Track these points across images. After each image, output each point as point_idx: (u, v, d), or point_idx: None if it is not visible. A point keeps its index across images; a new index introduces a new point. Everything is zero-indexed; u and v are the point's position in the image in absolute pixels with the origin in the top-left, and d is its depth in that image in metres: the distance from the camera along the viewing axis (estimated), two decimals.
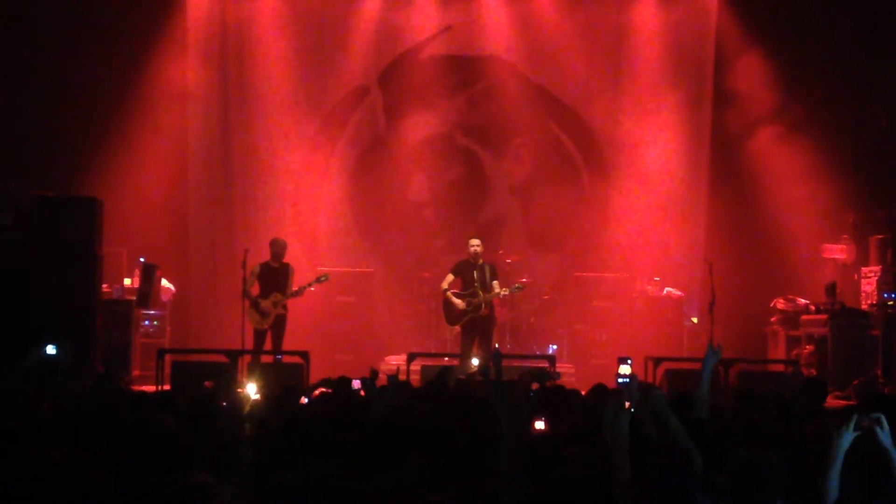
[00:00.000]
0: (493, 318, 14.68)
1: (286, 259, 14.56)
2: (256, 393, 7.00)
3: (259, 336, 14.27)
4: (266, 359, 13.91)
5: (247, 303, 14.24)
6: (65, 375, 8.64)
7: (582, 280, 17.00)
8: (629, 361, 6.60)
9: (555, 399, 7.54)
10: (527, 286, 15.66)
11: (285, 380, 11.66)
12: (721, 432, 5.87)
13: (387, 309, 17.36)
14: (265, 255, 14.61)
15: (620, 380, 6.18)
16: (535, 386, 8.01)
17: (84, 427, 5.80)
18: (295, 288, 14.29)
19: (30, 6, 16.37)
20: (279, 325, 14.34)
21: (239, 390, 7.11)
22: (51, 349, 7.73)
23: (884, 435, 4.60)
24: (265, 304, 14.26)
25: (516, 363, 13.37)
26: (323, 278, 14.49)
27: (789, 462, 4.63)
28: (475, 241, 14.40)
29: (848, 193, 16.72)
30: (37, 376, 7.44)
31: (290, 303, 14.50)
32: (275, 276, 14.37)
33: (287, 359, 13.54)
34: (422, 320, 16.80)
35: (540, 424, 5.96)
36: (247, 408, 6.70)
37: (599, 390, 7.50)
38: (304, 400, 7.78)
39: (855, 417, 4.56)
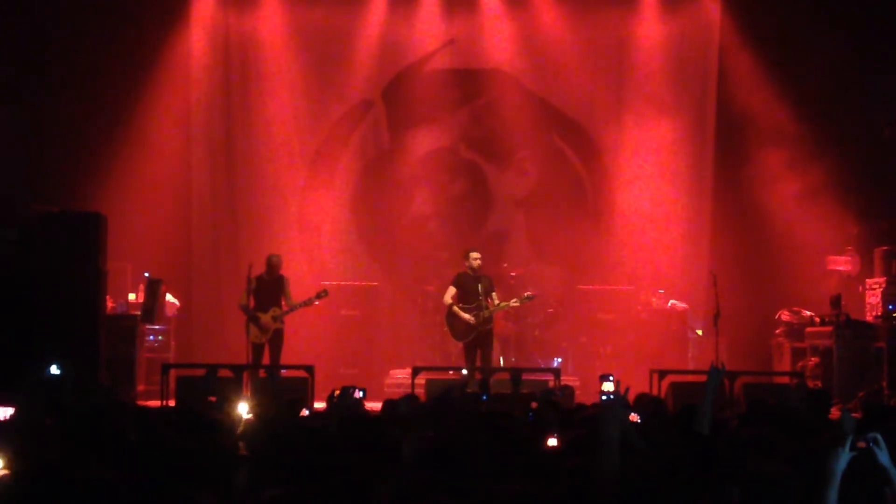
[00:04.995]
0: (493, 331, 14.72)
1: (286, 274, 14.56)
2: (248, 412, 6.96)
3: (257, 350, 14.25)
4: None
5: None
6: (69, 391, 8.64)
7: (586, 293, 17.00)
8: (611, 378, 6.60)
9: (559, 414, 7.53)
10: (534, 297, 15.68)
11: (289, 394, 11.68)
12: (726, 445, 5.86)
13: (391, 323, 17.38)
14: None
15: (603, 397, 6.19)
16: (534, 405, 7.99)
17: (88, 442, 5.81)
18: (296, 300, 14.28)
19: (34, 23, 16.41)
20: (277, 338, 14.33)
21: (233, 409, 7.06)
22: (54, 369, 7.72)
23: (882, 454, 4.58)
24: (265, 318, 14.25)
25: (522, 376, 13.36)
26: (323, 294, 14.47)
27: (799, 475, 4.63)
28: (476, 255, 14.39)
29: (852, 205, 16.72)
30: (42, 393, 7.44)
31: (295, 316, 14.51)
32: (269, 289, 14.37)
33: (291, 373, 13.54)
34: (426, 334, 16.79)
35: (552, 441, 5.96)
36: (240, 428, 6.67)
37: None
38: (305, 412, 7.76)
39: (851, 437, 4.55)
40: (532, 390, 10.83)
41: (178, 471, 4.97)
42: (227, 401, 7.22)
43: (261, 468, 5.40)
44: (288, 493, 4.46)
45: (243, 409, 6.93)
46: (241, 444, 6.29)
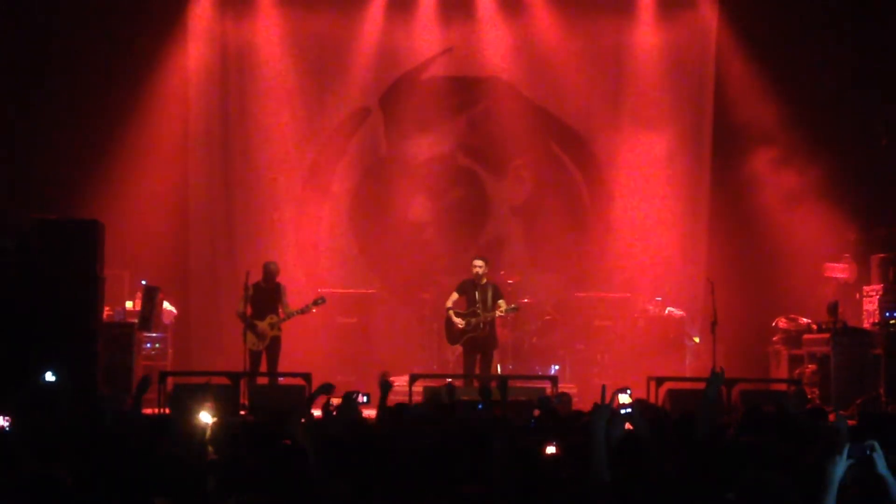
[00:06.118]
0: (494, 338, 14.69)
1: (283, 281, 14.56)
2: (213, 417, 6.95)
3: (254, 357, 14.23)
4: (262, 380, 13.93)
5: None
6: (65, 398, 8.63)
7: (583, 300, 16.99)
8: (628, 391, 6.59)
9: (558, 423, 7.54)
10: (526, 306, 15.65)
11: (286, 402, 11.66)
12: (724, 452, 5.86)
13: (388, 330, 17.37)
14: None
15: (623, 411, 6.20)
16: (536, 413, 7.99)
17: (84, 449, 5.81)
18: (293, 307, 14.27)
19: (30, 31, 16.42)
20: (274, 346, 14.33)
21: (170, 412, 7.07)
22: (49, 376, 7.70)
23: (879, 461, 4.58)
24: (262, 325, 14.25)
25: (519, 384, 13.37)
26: (320, 301, 14.48)
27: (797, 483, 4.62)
28: (478, 262, 14.47)
29: (849, 212, 16.72)
30: (38, 400, 7.44)
31: (292, 324, 14.50)
32: (266, 297, 14.37)
33: (288, 380, 13.54)
34: (423, 341, 16.80)
35: (551, 449, 5.97)
36: (207, 433, 6.66)
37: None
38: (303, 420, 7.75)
39: (848, 446, 4.55)
40: (528, 398, 10.83)
41: (149, 477, 4.99)
42: (187, 409, 7.20)
43: (229, 473, 5.41)
44: (255, 500, 4.47)
45: (206, 416, 6.91)
46: (210, 448, 6.30)
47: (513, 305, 14.83)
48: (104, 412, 7.32)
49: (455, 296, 14.61)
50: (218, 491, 5.26)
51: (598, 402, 5.72)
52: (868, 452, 4.56)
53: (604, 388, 5.95)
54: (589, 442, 5.15)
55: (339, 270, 17.78)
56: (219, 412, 7.20)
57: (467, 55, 18.01)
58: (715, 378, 6.74)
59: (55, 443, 6.27)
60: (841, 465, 4.53)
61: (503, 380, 11.26)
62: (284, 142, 17.81)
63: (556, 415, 8.06)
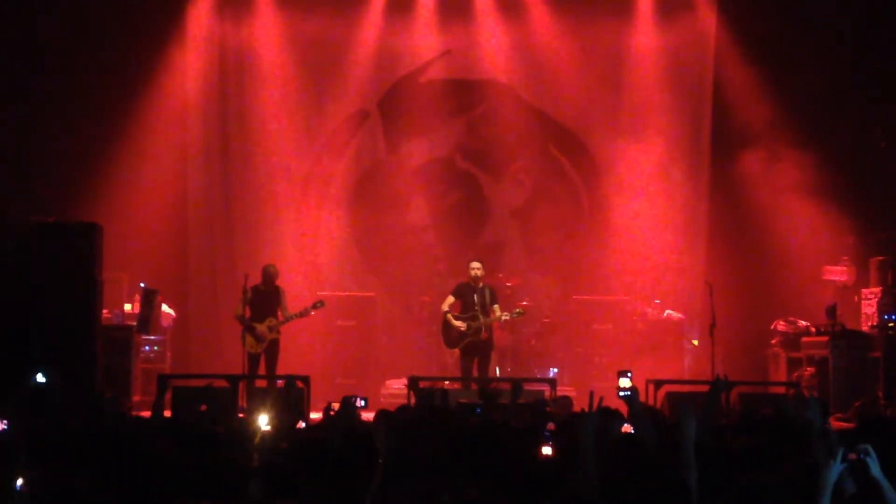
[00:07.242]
0: (491, 341, 14.67)
1: (282, 284, 14.56)
2: (267, 424, 6.95)
3: (253, 360, 14.22)
4: (261, 383, 13.92)
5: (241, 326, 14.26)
6: (58, 400, 8.62)
7: (582, 303, 17.00)
8: (629, 374, 6.55)
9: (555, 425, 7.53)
10: (527, 309, 15.64)
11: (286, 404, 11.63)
12: (721, 455, 5.86)
13: (388, 333, 17.37)
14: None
15: (621, 393, 6.16)
16: (551, 426, 7.99)
17: (81, 452, 5.80)
18: (292, 310, 14.27)
19: (30, 31, 16.43)
20: (273, 349, 14.32)
21: (241, 416, 7.05)
22: (40, 377, 7.71)
23: (873, 465, 4.59)
24: (261, 328, 14.24)
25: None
26: (319, 304, 14.47)
27: (794, 485, 4.63)
28: (476, 265, 14.42)
29: (848, 215, 16.71)
30: (32, 402, 7.42)
31: (291, 327, 14.50)
32: (265, 299, 14.36)
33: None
34: (423, 344, 16.79)
35: (547, 450, 5.97)
36: (257, 439, 6.66)
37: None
38: (302, 424, 7.74)
39: (842, 450, 4.56)
40: (527, 400, 10.83)
41: (169, 482, 4.98)
42: (248, 411, 7.21)
43: (273, 479, 5.41)
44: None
45: (262, 421, 6.91)
46: (255, 455, 6.29)
47: (518, 310, 14.82)
48: (103, 412, 7.31)
49: (451, 299, 14.50)
50: (264, 497, 5.25)
51: (585, 408, 5.71)
52: (862, 456, 4.56)
53: (591, 394, 5.92)
54: (576, 448, 5.15)
55: (339, 273, 17.78)
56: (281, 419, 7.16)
57: (466, 58, 18.02)
58: (717, 385, 6.75)
59: (55, 444, 6.26)
60: (835, 470, 4.54)
61: (517, 384, 11.15)
62: (283, 144, 17.81)
63: (553, 417, 8.06)
